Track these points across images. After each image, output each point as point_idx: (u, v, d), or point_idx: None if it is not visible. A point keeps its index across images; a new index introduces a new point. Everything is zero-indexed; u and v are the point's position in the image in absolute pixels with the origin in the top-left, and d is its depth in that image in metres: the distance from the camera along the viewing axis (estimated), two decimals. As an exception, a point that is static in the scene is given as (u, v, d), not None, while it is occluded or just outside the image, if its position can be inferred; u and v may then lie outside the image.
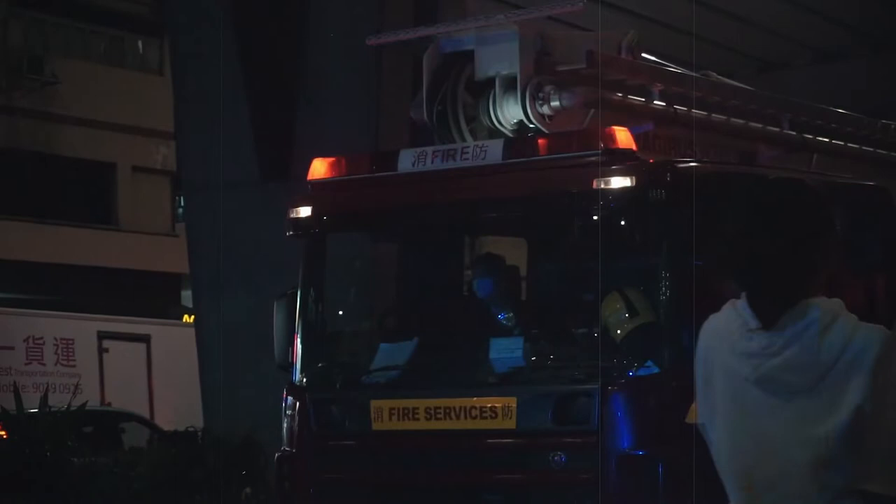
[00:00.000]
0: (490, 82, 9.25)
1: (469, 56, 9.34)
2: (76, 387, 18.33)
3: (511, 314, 9.22)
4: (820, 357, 3.58)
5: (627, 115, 9.24)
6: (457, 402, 8.66)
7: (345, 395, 9.26)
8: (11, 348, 23.47)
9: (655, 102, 9.48)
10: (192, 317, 18.51)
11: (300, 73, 15.93)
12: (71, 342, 24.33)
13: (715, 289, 8.06)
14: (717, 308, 3.86)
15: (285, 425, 9.47)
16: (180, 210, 31.01)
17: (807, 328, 3.60)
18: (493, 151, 8.89)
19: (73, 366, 24.03)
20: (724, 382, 3.77)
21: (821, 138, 10.96)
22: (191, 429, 15.82)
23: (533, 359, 8.68)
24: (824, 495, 3.57)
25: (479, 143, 9.10)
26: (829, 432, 3.54)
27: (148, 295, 32.39)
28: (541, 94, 9.05)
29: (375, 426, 8.93)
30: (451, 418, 8.66)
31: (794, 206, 3.68)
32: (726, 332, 3.75)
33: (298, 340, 9.49)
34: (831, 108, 11.53)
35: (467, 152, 8.98)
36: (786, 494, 3.62)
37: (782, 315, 3.63)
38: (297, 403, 9.36)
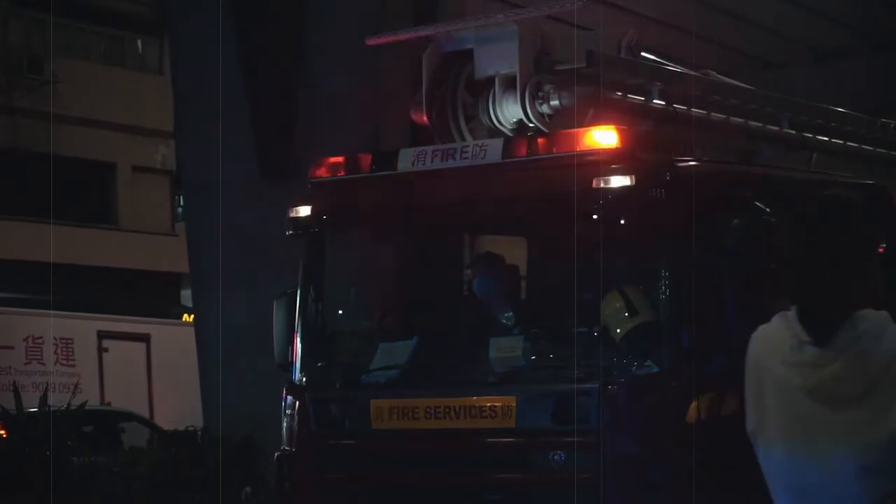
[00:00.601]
0: (490, 81, 9.24)
1: (469, 55, 9.34)
2: (76, 386, 18.34)
3: (511, 313, 9.22)
4: (869, 368, 3.70)
5: (627, 114, 9.24)
6: (457, 402, 8.65)
7: (345, 395, 9.26)
8: (11, 348, 23.49)
9: (655, 101, 9.47)
10: (192, 316, 18.52)
11: (300, 73, 15.93)
12: (70, 342, 24.34)
13: (718, 288, 8.09)
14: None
15: (285, 425, 9.46)
16: (180, 210, 31.03)
17: (857, 340, 3.72)
18: (493, 151, 8.88)
19: (73, 365, 24.04)
20: (775, 392, 3.88)
21: (820, 137, 10.96)
22: (191, 428, 15.83)
23: (532, 358, 8.68)
24: (871, 501, 3.69)
25: (479, 142, 9.10)
26: (878, 441, 3.66)
27: (148, 294, 32.42)
28: (540, 94, 9.04)
29: (375, 425, 8.93)
30: (450, 417, 8.66)
31: (844, 221, 3.81)
32: (777, 343, 3.86)
33: (298, 340, 9.49)
34: (831, 107, 11.52)
35: (467, 151, 8.97)
36: (833, 500, 3.74)
37: (833, 328, 3.75)
38: (297, 403, 9.36)
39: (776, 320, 3.88)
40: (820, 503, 3.76)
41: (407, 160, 9.24)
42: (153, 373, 25.53)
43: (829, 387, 3.73)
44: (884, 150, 11.58)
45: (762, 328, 3.95)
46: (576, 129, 8.85)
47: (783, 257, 3.85)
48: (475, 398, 8.61)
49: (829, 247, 3.76)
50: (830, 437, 3.72)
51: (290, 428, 9.42)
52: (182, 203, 24.22)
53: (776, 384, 3.85)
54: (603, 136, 8.46)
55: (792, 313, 3.82)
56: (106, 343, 25.01)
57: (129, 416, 21.77)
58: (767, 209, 8.69)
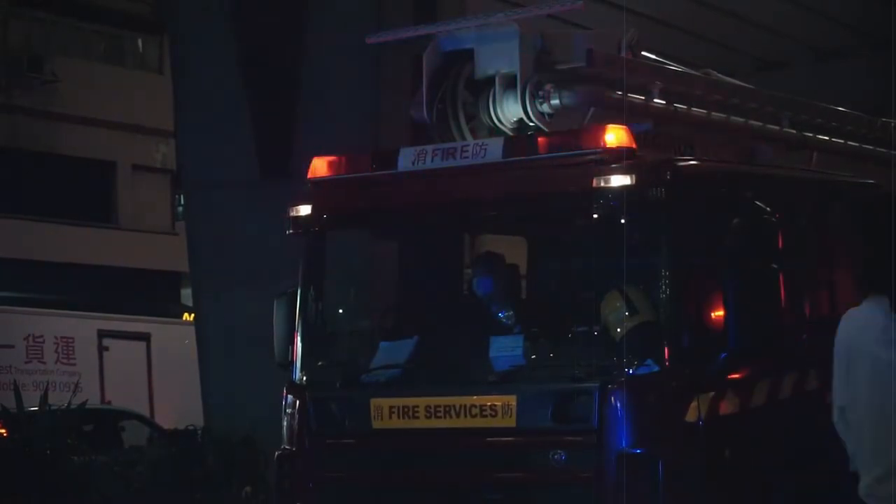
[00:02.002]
0: (490, 81, 9.25)
1: (469, 54, 9.34)
2: (76, 385, 18.37)
3: (511, 312, 9.22)
4: None
5: (627, 114, 9.23)
6: (457, 401, 8.65)
7: (345, 394, 9.26)
8: (12, 347, 23.51)
9: (655, 101, 9.48)
10: (192, 315, 18.53)
11: (300, 73, 15.93)
12: (71, 340, 24.36)
13: (719, 288, 8.09)
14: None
15: (285, 424, 9.46)
16: (180, 208, 31.03)
17: None
18: (493, 150, 8.88)
19: (74, 364, 24.07)
20: (867, 367, 4.21)
21: (820, 136, 10.96)
22: (191, 427, 15.86)
23: (533, 357, 8.68)
24: None
25: (479, 141, 9.10)
26: None
27: (148, 293, 32.42)
28: (541, 93, 9.05)
29: (375, 424, 8.93)
30: (451, 416, 8.66)
31: None
32: (870, 323, 4.24)
33: (298, 339, 9.49)
34: (831, 106, 11.53)
35: (467, 151, 8.97)
36: None
37: None
38: (297, 402, 9.36)
39: (866, 304, 4.27)
40: None
41: (407, 159, 9.24)
42: (153, 372, 25.57)
43: None
44: (884, 150, 11.58)
45: (851, 311, 4.34)
46: (576, 129, 8.86)
47: (877, 257, 4.22)
48: (475, 397, 8.61)
49: None
50: None
51: (290, 427, 9.42)
52: (182, 202, 24.24)
53: (868, 360, 4.19)
54: (603, 136, 8.46)
55: (883, 298, 4.19)
56: (106, 342, 25.04)
57: (129, 415, 21.78)
58: (767, 208, 8.69)
